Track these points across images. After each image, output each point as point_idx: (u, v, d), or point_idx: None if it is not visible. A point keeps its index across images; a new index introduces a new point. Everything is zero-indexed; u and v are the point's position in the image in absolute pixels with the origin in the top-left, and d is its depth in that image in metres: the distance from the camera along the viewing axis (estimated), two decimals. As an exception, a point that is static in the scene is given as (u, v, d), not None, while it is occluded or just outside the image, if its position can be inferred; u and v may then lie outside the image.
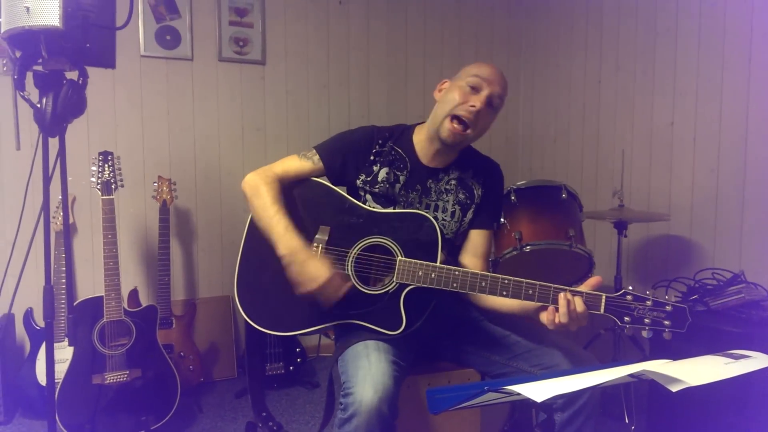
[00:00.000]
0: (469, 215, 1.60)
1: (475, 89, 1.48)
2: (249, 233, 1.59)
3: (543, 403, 0.82)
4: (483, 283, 1.34)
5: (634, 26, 2.76)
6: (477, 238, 1.62)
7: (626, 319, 1.27)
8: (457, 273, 1.36)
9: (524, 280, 1.32)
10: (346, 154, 1.59)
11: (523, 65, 3.55)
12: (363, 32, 3.23)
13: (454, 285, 1.36)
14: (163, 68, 2.85)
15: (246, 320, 1.53)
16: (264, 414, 1.68)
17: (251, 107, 3.03)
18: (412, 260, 1.40)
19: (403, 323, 1.39)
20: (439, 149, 1.55)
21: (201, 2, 2.88)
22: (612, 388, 2.34)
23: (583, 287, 1.30)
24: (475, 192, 1.61)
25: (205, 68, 2.92)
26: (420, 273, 1.39)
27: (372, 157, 1.59)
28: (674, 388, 0.84)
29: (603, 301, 1.28)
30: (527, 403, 1.02)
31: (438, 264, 1.39)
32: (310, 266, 1.40)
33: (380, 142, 1.60)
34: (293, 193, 1.59)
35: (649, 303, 1.26)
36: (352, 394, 1.25)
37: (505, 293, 1.33)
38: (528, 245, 2.13)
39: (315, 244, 1.50)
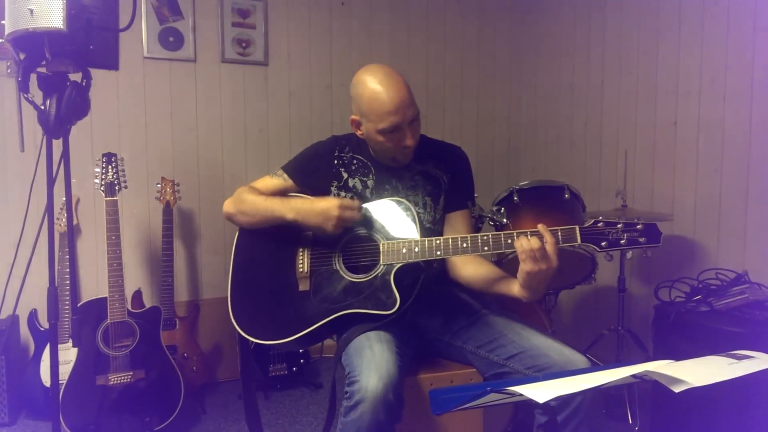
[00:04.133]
0: (441, 202, 1.65)
1: (395, 129, 1.49)
2: (236, 253, 1.64)
3: (545, 404, 0.82)
4: (464, 245, 1.40)
5: (636, 26, 2.76)
6: (455, 220, 1.67)
7: (603, 243, 1.34)
8: (438, 241, 1.42)
9: (501, 232, 1.38)
10: (311, 168, 1.66)
11: (525, 66, 3.55)
12: (365, 33, 3.23)
13: (438, 253, 1.42)
14: (166, 70, 2.86)
15: (245, 338, 1.54)
16: None
17: (254, 108, 3.04)
18: (394, 240, 1.47)
19: (397, 300, 1.42)
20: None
21: (204, 4, 2.89)
22: (615, 389, 2.33)
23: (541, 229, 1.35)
24: (441, 180, 1.66)
25: (208, 69, 2.93)
26: (404, 250, 1.44)
27: (336, 162, 1.65)
28: (677, 389, 0.84)
29: (578, 231, 1.34)
30: (530, 404, 1.02)
31: (419, 238, 1.44)
32: (318, 205, 1.49)
33: (339, 150, 1.66)
34: None
35: (620, 226, 1.34)
36: (357, 381, 1.26)
37: (486, 248, 1.38)
38: (531, 246, 2.13)
39: (299, 249, 1.56)
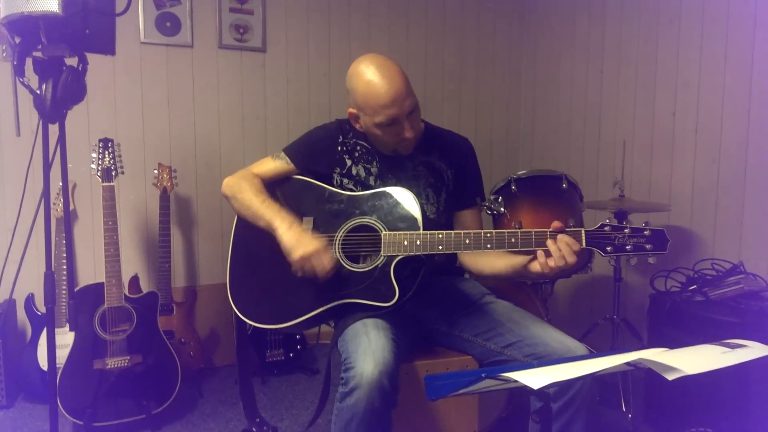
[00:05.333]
0: (443, 195, 1.63)
1: (393, 122, 1.47)
2: (236, 236, 1.63)
3: (539, 391, 0.83)
4: (467, 241, 1.37)
5: (637, 16, 2.74)
6: (464, 218, 1.67)
7: (608, 248, 1.30)
8: (440, 236, 1.39)
9: (505, 230, 1.36)
10: (314, 153, 1.63)
11: (525, 55, 3.53)
12: (364, 20, 3.21)
13: (440, 247, 1.39)
14: (163, 55, 2.84)
15: (243, 322, 1.54)
16: (258, 420, 1.71)
17: (251, 95, 3.02)
18: (396, 232, 1.43)
19: (396, 293, 1.41)
20: None
21: (201, -12, 2.87)
22: (610, 377, 2.35)
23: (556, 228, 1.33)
24: (445, 175, 1.64)
25: (205, 55, 2.91)
26: (405, 242, 1.41)
27: (340, 148, 1.63)
28: (670, 377, 0.85)
29: (583, 235, 1.31)
30: (525, 391, 1.02)
31: (421, 231, 1.42)
32: (306, 235, 1.45)
33: (343, 135, 1.64)
34: (273, 192, 1.62)
35: (627, 231, 1.30)
36: (353, 368, 1.27)
37: (489, 246, 1.35)
38: (528, 234, 2.13)
39: None
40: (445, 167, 1.63)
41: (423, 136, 1.63)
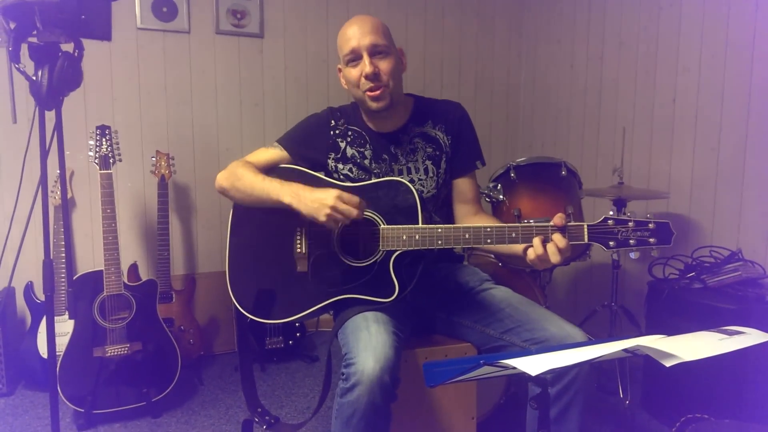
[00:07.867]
0: (443, 165, 1.62)
1: (354, 60, 1.53)
2: (233, 230, 1.62)
3: (537, 377, 0.83)
4: (467, 236, 1.36)
5: (637, 1, 2.72)
6: (461, 186, 1.66)
7: (611, 243, 1.27)
8: (440, 230, 1.38)
9: (506, 224, 1.34)
10: (307, 139, 1.64)
11: (525, 41, 3.51)
12: (363, 5, 3.17)
13: (439, 242, 1.38)
14: (159, 41, 2.81)
15: (245, 317, 1.54)
16: (260, 410, 1.72)
17: (249, 82, 3.00)
18: (395, 226, 1.42)
19: (395, 289, 1.40)
20: (384, 114, 1.58)
21: (198, -27, 2.83)
22: (607, 363, 2.37)
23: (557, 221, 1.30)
24: (442, 141, 1.63)
25: (202, 41, 2.89)
26: (404, 237, 1.40)
27: (332, 132, 1.64)
28: (668, 363, 0.85)
29: (585, 230, 1.28)
30: (523, 377, 1.02)
31: (420, 225, 1.40)
32: (317, 192, 1.41)
33: (334, 120, 1.65)
34: None
35: (631, 224, 1.26)
36: (354, 364, 1.27)
37: (489, 241, 1.34)
38: (527, 222, 2.13)
39: (297, 229, 1.52)
40: (441, 134, 1.63)
41: (413, 107, 1.64)
